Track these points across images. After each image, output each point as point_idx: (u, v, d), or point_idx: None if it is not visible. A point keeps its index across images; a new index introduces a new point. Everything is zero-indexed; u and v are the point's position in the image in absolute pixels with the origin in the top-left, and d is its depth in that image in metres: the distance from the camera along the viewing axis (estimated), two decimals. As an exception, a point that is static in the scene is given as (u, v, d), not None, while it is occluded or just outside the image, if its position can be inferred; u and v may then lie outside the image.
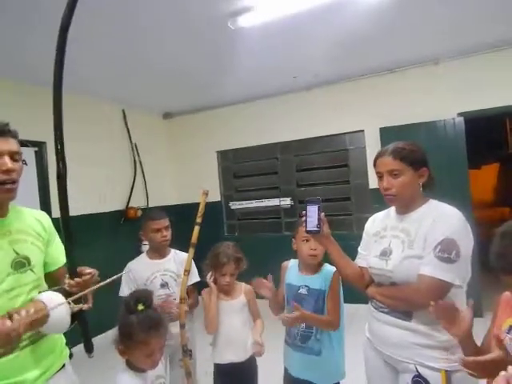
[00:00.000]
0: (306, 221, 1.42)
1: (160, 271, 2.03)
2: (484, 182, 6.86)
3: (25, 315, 1.00)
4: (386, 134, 3.87)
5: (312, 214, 1.41)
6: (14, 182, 1.16)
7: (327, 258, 1.67)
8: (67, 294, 1.17)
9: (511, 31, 3.24)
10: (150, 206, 4.70)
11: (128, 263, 2.11)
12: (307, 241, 1.65)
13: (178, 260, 2.11)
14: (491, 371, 0.90)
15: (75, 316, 1.19)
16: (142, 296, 1.35)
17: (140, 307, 1.31)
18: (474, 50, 3.58)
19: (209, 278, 1.85)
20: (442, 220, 1.25)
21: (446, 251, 1.19)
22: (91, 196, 3.96)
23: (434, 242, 1.22)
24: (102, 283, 1.20)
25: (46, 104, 4.22)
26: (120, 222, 4.33)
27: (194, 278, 2.12)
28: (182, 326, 1.76)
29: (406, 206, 1.37)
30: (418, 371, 1.24)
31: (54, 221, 1.41)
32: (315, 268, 1.69)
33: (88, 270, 1.21)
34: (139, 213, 4.42)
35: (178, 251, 2.17)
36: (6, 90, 3.28)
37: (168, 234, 2.07)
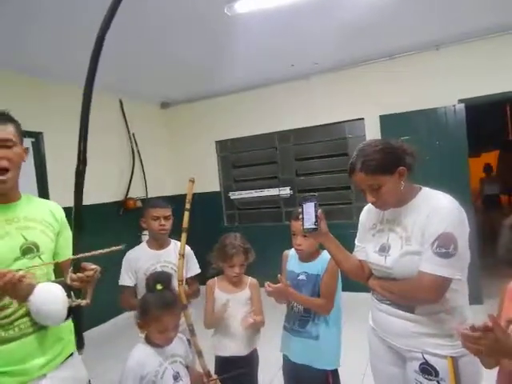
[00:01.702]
0: (302, 219, 1.39)
1: (160, 262, 2.00)
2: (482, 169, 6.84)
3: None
4: (387, 121, 3.84)
5: (309, 211, 1.37)
6: (6, 169, 1.14)
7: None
8: (67, 288, 1.16)
9: (510, 16, 3.18)
10: (148, 196, 4.69)
11: (127, 252, 2.08)
12: (294, 235, 1.69)
13: (178, 251, 2.09)
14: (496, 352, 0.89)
15: (71, 310, 1.18)
16: (161, 277, 1.50)
17: (158, 287, 1.45)
18: (475, 36, 3.53)
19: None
20: (437, 213, 1.23)
21: (444, 246, 1.18)
22: (90, 187, 3.94)
23: (431, 238, 1.21)
24: (99, 251, 1.15)
25: (44, 95, 4.17)
26: (119, 212, 4.33)
27: (195, 269, 2.12)
28: (184, 307, 1.78)
29: (398, 204, 1.35)
30: (424, 359, 1.25)
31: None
32: (313, 255, 1.71)
33: (92, 266, 1.20)
34: (138, 203, 4.42)
35: (178, 242, 2.15)
36: (3, 80, 3.23)
37: (167, 224, 2.03)
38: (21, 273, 1.04)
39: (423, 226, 1.24)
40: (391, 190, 1.28)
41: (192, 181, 1.69)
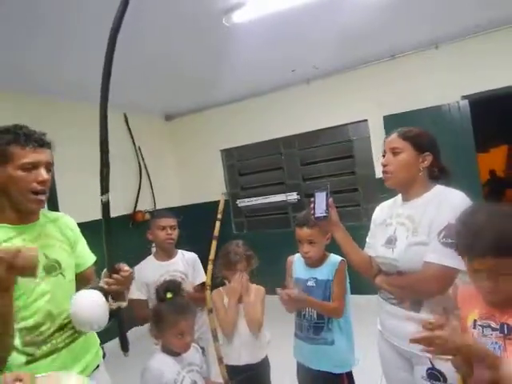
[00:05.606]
0: (314, 208, 1.42)
1: (169, 272, 2.01)
2: (493, 164, 6.76)
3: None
4: (390, 121, 3.82)
5: (320, 200, 1.42)
6: (46, 192, 1.20)
7: (333, 248, 1.66)
8: (103, 292, 1.18)
9: (509, 10, 3.16)
10: (157, 208, 4.71)
11: (136, 266, 2.10)
12: (300, 242, 1.68)
13: (185, 260, 2.11)
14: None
15: (112, 314, 1.20)
16: (171, 285, 1.53)
17: (169, 295, 1.47)
18: (474, 32, 3.51)
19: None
20: (446, 205, 1.22)
21: (451, 236, 1.15)
22: (98, 202, 3.99)
23: (438, 228, 1.20)
24: None
25: (49, 112, 4.18)
26: (129, 225, 4.36)
27: (201, 277, 2.12)
28: (210, 311, 1.79)
29: (405, 190, 1.36)
30: (431, 363, 1.22)
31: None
32: (321, 259, 1.70)
33: (126, 267, 1.23)
34: (147, 216, 4.44)
35: (184, 252, 2.17)
36: (12, 102, 3.28)
37: (173, 233, 2.06)
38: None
39: (432, 217, 1.23)
40: (407, 162, 1.31)
41: (224, 194, 1.81)
